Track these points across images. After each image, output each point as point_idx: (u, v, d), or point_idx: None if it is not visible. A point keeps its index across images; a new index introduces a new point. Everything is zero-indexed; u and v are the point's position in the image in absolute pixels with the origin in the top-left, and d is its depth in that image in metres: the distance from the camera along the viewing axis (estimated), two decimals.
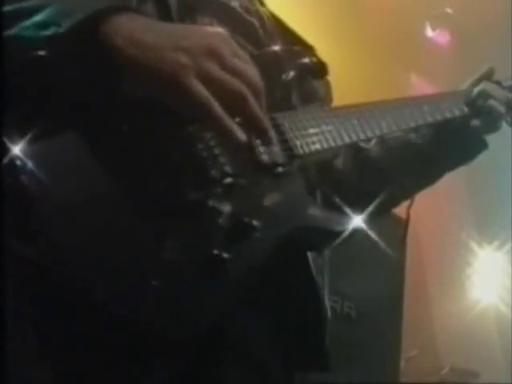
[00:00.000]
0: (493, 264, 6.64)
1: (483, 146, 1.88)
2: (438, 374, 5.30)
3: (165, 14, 1.45)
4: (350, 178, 1.82)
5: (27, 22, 1.19)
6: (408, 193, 1.96)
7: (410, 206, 1.96)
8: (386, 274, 3.48)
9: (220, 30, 1.30)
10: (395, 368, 3.60)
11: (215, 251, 1.27)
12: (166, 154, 1.28)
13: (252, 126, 1.27)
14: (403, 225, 1.92)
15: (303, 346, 1.49)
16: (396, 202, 1.95)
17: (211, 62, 1.21)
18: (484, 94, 1.84)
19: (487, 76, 1.94)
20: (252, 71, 1.27)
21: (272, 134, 1.40)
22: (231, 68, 1.23)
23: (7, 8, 1.21)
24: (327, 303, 1.55)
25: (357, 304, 3.33)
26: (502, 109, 1.85)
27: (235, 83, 1.22)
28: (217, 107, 1.20)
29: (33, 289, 1.21)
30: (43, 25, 1.19)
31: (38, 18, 1.20)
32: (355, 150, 1.82)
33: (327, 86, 1.78)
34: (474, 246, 6.51)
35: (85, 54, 1.19)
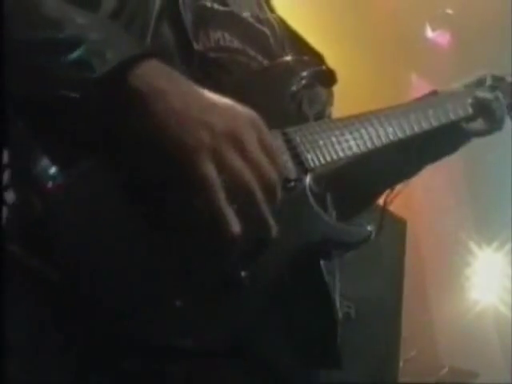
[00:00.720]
0: (492, 265, 6.66)
1: (466, 136, 1.91)
2: (437, 374, 5.31)
3: (181, 35, 1.46)
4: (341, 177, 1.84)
5: (62, 59, 1.19)
6: (389, 183, 1.97)
7: (388, 195, 1.96)
8: (385, 274, 3.48)
9: (252, 112, 1.25)
10: (394, 368, 3.61)
11: (229, 269, 1.29)
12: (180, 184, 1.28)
13: (255, 223, 1.24)
14: (380, 213, 1.91)
15: (317, 346, 1.51)
16: (378, 193, 1.98)
17: (231, 146, 1.19)
18: (487, 98, 1.85)
19: (481, 82, 1.96)
20: (269, 166, 1.23)
21: (283, 150, 1.42)
22: (249, 158, 1.20)
23: (38, 34, 1.21)
24: (338, 305, 1.57)
25: (356, 304, 3.34)
26: (502, 111, 1.87)
27: (246, 177, 1.20)
28: (220, 196, 1.18)
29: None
30: (79, 65, 1.19)
31: (74, 55, 1.19)
32: None
33: (329, 90, 1.79)
34: (473, 246, 6.53)
35: (112, 100, 1.18)
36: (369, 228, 1.50)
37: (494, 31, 5.92)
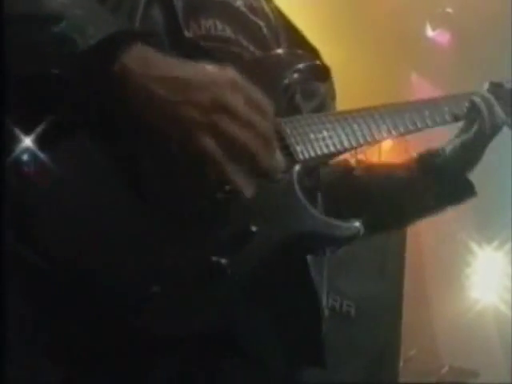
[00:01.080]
0: (492, 264, 6.65)
1: (470, 190, 1.89)
2: (437, 373, 5.31)
3: (171, 19, 1.46)
4: (335, 192, 1.83)
5: (44, 34, 1.20)
6: (391, 224, 1.97)
7: None
8: (385, 273, 3.48)
9: (228, 71, 1.27)
10: (394, 367, 3.61)
11: (214, 257, 1.29)
12: (169, 162, 1.28)
13: (261, 173, 1.28)
14: None
15: (301, 344, 1.51)
16: (383, 227, 1.96)
17: (221, 115, 1.22)
18: (487, 101, 1.84)
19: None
20: (261, 120, 1.26)
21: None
22: (242, 120, 1.23)
23: (18, 9, 1.22)
24: (324, 303, 1.57)
25: (356, 302, 3.34)
26: (503, 115, 1.85)
27: (244, 137, 1.23)
28: (226, 164, 1.22)
29: (35, 290, 1.22)
30: (60, 40, 1.20)
31: (55, 30, 1.20)
32: (346, 169, 1.84)
33: (330, 83, 1.78)
34: (473, 245, 6.52)
35: (97, 79, 1.20)
36: (357, 224, 1.48)
37: (494, 30, 5.91)
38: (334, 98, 1.81)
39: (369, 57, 5.97)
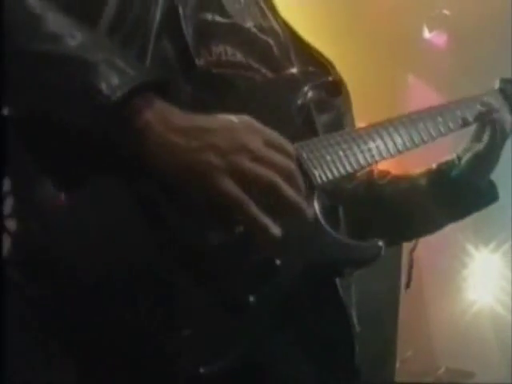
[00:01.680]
0: (489, 266, 6.66)
1: (494, 195, 1.89)
2: (433, 374, 5.31)
3: (182, 49, 1.45)
4: (359, 205, 1.83)
5: (70, 79, 1.20)
6: (412, 235, 1.98)
7: (413, 250, 1.98)
8: (381, 275, 3.49)
9: (245, 117, 1.28)
10: (391, 368, 3.61)
11: (239, 294, 1.29)
12: (193, 198, 1.29)
13: (288, 210, 1.28)
14: (408, 268, 1.94)
15: (335, 362, 1.51)
16: (401, 239, 1.97)
17: (241, 156, 1.22)
18: (489, 107, 1.82)
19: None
20: (280, 157, 1.27)
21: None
22: (262, 159, 1.24)
23: (38, 46, 1.22)
24: (355, 321, 1.57)
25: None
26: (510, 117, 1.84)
27: (267, 175, 1.24)
28: (250, 205, 1.22)
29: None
30: (87, 87, 1.19)
31: (80, 77, 1.19)
32: (369, 182, 1.84)
33: (346, 94, 1.77)
34: (470, 247, 6.53)
35: (122, 133, 1.21)
36: (380, 244, 1.48)
37: (491, 32, 5.92)
38: (350, 109, 1.80)
39: (366, 58, 5.97)
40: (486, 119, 1.81)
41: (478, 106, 1.82)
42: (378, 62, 6.05)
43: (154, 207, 1.26)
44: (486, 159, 1.84)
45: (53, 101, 1.21)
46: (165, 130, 1.22)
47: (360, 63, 5.93)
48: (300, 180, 1.30)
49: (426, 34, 6.88)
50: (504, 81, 1.93)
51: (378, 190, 1.86)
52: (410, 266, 1.96)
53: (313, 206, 1.44)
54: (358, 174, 1.77)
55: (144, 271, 1.24)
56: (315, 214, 1.45)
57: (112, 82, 1.20)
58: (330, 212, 1.51)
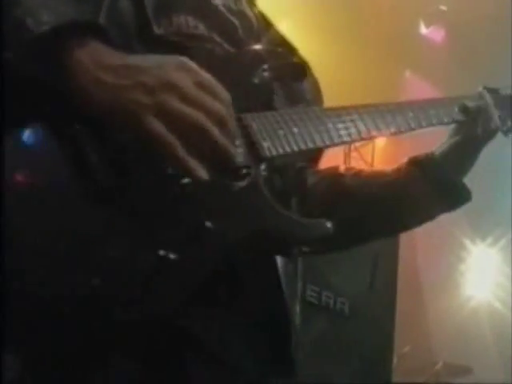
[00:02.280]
0: (486, 261, 6.67)
1: (465, 195, 1.86)
2: (431, 369, 5.32)
3: (140, 12, 1.44)
4: (322, 198, 1.79)
5: (8, 18, 1.20)
6: (379, 233, 1.93)
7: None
8: (378, 271, 3.49)
9: (177, 57, 1.26)
10: (388, 364, 3.62)
11: (161, 252, 1.27)
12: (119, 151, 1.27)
13: (216, 154, 1.25)
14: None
15: (271, 356, 1.45)
16: (373, 235, 1.93)
17: (170, 95, 1.20)
18: (482, 110, 1.81)
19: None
20: (211, 99, 1.24)
21: (237, 136, 1.37)
22: (191, 99, 1.21)
23: None
24: (295, 312, 1.51)
25: (350, 300, 3.34)
26: (497, 121, 1.82)
27: (193, 115, 1.21)
28: (176, 145, 1.19)
29: None
30: (17, 24, 1.19)
31: (13, 14, 1.20)
32: (333, 177, 1.80)
33: (315, 85, 1.74)
34: (467, 242, 6.54)
35: (45, 70, 1.20)
36: (328, 225, 1.41)
37: (488, 28, 5.92)
38: (321, 100, 1.76)
39: (363, 54, 5.97)
40: (467, 118, 1.79)
41: (458, 107, 1.80)
42: (375, 58, 6.06)
43: (79, 152, 1.24)
44: (463, 153, 1.82)
45: None
46: (94, 67, 1.20)
47: (357, 59, 5.93)
48: (232, 127, 1.27)
49: (423, 30, 6.89)
50: (489, 90, 1.91)
51: (342, 181, 1.81)
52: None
53: (257, 177, 1.39)
54: (322, 170, 1.75)
55: (76, 225, 1.21)
56: (258, 183, 1.39)
57: (40, 18, 1.20)
58: (279, 197, 1.44)
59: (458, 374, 5.50)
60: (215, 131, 1.23)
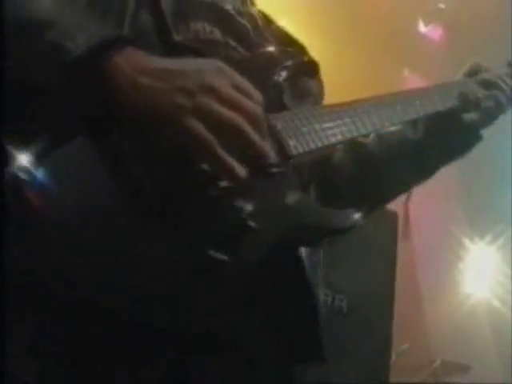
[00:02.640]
0: (485, 259, 6.68)
1: (477, 138, 1.90)
2: (429, 367, 5.33)
3: (160, 23, 1.47)
4: (347, 173, 1.83)
5: (36, 41, 1.21)
6: (404, 187, 1.98)
7: (407, 202, 1.98)
8: (376, 268, 3.49)
9: (215, 61, 1.30)
10: (386, 361, 3.62)
11: (211, 252, 1.29)
12: (170, 154, 1.29)
13: (252, 154, 1.28)
14: (404, 221, 1.95)
15: (299, 341, 1.50)
16: (392, 196, 1.97)
17: (208, 97, 1.22)
18: (487, 85, 1.86)
19: (474, 71, 1.96)
20: (248, 101, 1.27)
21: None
22: (229, 101, 1.24)
23: (8, 15, 1.22)
24: (321, 299, 1.56)
25: (348, 297, 3.34)
26: (504, 98, 1.87)
27: (233, 117, 1.23)
28: (215, 145, 1.22)
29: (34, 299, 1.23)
30: (54, 47, 1.20)
31: (47, 37, 1.21)
32: (354, 145, 1.84)
33: (320, 84, 1.78)
34: (466, 240, 6.54)
35: (85, 85, 1.21)
36: (356, 216, 1.47)
37: (487, 25, 5.93)
38: (322, 99, 1.81)
39: (361, 53, 5.98)
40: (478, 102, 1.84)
41: (458, 91, 1.85)
42: (374, 56, 6.06)
43: (119, 159, 1.26)
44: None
45: (27, 65, 1.22)
46: (133, 71, 1.22)
47: (356, 58, 5.94)
48: (265, 127, 1.30)
49: (422, 28, 6.89)
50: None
51: (364, 150, 1.86)
52: (406, 216, 1.98)
53: (289, 174, 1.45)
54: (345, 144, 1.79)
55: (114, 229, 1.24)
56: (290, 181, 1.45)
57: (78, 39, 1.21)
58: (302, 188, 1.51)
59: (457, 372, 5.50)
60: (251, 131, 1.26)
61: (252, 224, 1.33)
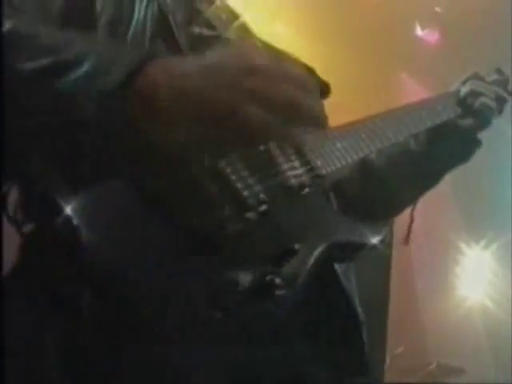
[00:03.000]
0: (480, 263, 6.69)
1: (477, 143, 1.93)
2: (424, 369, 5.33)
3: (176, 54, 1.47)
4: (355, 189, 1.86)
5: (72, 75, 1.18)
6: (410, 198, 2.01)
7: (412, 209, 2.01)
8: (372, 272, 3.50)
9: (247, 42, 1.30)
10: (380, 364, 3.63)
11: (269, 276, 1.30)
12: (204, 191, 1.31)
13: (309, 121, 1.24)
14: (408, 226, 1.99)
15: (343, 353, 1.52)
16: (400, 208, 2.00)
17: (254, 78, 1.18)
18: (473, 93, 1.89)
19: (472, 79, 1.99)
20: (293, 68, 1.24)
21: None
22: (274, 74, 1.20)
23: (45, 61, 1.20)
24: (359, 309, 1.59)
25: None
26: (492, 103, 1.89)
27: (285, 89, 1.19)
28: (276, 122, 1.18)
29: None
30: (87, 80, 1.18)
31: (83, 69, 1.19)
32: (360, 162, 1.87)
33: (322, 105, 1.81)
34: (461, 244, 6.56)
35: (124, 108, 1.19)
36: (384, 229, 1.52)
37: (484, 29, 5.94)
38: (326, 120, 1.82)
39: (358, 56, 5.98)
40: (470, 108, 1.87)
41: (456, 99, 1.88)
42: (371, 60, 6.07)
43: (160, 201, 1.26)
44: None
45: (59, 104, 1.20)
46: (170, 78, 1.19)
47: (352, 62, 5.95)
48: (314, 92, 1.25)
49: (419, 32, 6.90)
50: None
51: (370, 165, 1.89)
52: (410, 223, 2.01)
53: (322, 196, 1.49)
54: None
55: (169, 265, 1.25)
56: (323, 199, 1.50)
57: (112, 70, 1.19)
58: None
59: (452, 374, 5.51)
60: (306, 98, 1.22)
61: (296, 246, 1.36)
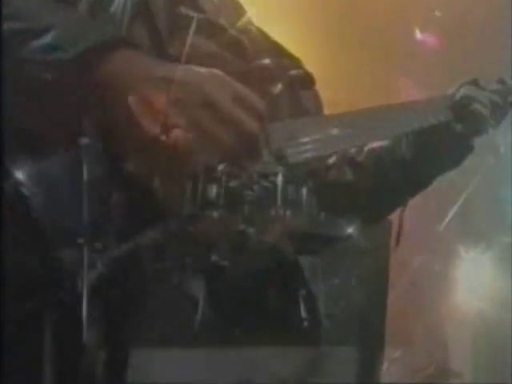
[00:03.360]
0: (478, 267, 6.68)
1: (468, 149, 1.92)
2: (422, 373, 5.33)
3: (155, 37, 1.48)
4: (343, 186, 1.85)
5: (35, 44, 1.21)
6: (399, 200, 2.00)
7: (403, 210, 2.01)
8: (369, 275, 3.50)
9: (215, 71, 1.30)
10: (377, 368, 3.63)
11: (214, 258, 1.29)
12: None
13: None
14: (397, 228, 1.98)
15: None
16: (388, 210, 1.99)
17: (205, 112, 1.23)
18: (466, 98, 1.88)
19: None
20: (246, 117, 1.28)
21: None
22: (226, 117, 1.26)
23: (16, 25, 1.23)
24: (322, 308, 1.57)
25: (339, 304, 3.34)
26: (486, 111, 1.88)
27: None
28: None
29: None
30: (51, 47, 1.21)
31: (45, 40, 1.21)
32: (349, 161, 1.86)
33: (316, 96, 1.80)
34: (459, 249, 6.55)
35: (84, 84, 1.21)
36: (354, 224, 1.50)
37: (483, 34, 5.94)
38: (320, 109, 1.82)
39: (357, 59, 5.98)
40: (462, 114, 1.86)
41: (449, 104, 1.88)
42: (369, 63, 6.07)
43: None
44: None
45: (26, 67, 1.24)
46: (130, 75, 1.24)
47: (352, 65, 5.94)
48: (262, 140, 1.33)
49: (418, 35, 6.90)
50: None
51: (359, 166, 1.89)
52: (401, 224, 2.01)
53: (291, 186, 1.47)
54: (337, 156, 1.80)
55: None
56: (292, 192, 1.47)
57: (78, 40, 1.24)
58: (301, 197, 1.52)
59: (450, 377, 5.51)
60: (243, 157, 1.32)
61: (250, 231, 1.34)
